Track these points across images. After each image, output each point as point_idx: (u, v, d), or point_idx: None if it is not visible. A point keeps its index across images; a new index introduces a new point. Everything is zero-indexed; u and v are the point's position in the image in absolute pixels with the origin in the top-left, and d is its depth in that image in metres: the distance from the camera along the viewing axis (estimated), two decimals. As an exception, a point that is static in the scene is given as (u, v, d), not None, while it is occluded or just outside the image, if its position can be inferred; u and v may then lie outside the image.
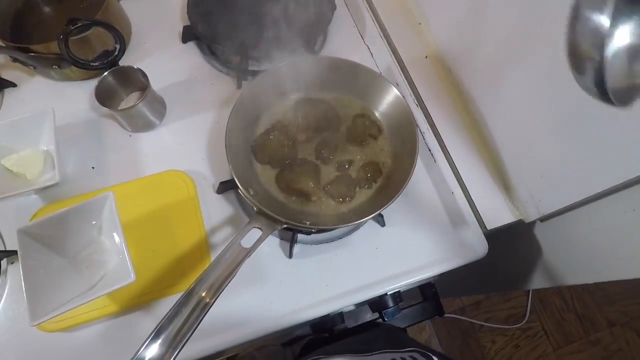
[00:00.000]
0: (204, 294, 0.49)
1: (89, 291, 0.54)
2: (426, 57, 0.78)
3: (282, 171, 0.65)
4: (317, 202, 0.63)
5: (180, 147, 0.72)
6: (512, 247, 0.77)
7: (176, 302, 0.48)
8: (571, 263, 0.63)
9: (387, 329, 0.72)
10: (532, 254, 0.72)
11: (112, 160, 0.70)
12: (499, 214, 0.67)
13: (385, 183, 0.65)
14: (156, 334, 0.46)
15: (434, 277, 0.66)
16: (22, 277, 0.52)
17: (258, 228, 0.55)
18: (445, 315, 1.75)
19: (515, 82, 0.59)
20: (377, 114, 0.69)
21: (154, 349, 0.46)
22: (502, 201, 0.67)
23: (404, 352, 0.53)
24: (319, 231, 0.65)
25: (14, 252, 0.61)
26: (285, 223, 0.56)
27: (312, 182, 0.63)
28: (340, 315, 0.67)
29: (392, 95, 0.66)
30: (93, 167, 0.69)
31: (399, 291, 0.68)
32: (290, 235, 0.64)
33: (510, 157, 0.65)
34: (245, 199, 0.59)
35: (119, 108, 0.69)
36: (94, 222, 0.59)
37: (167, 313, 0.47)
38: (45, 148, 0.68)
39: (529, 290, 1.78)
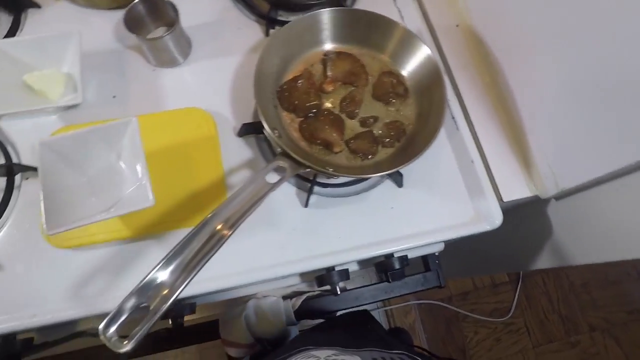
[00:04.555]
0: (220, 226, 0.49)
1: (108, 209, 0.53)
2: (457, 25, 0.77)
3: (307, 119, 0.64)
4: (339, 155, 0.63)
5: (203, 87, 0.70)
6: (520, 226, 0.78)
7: (193, 228, 0.48)
8: (584, 242, 0.64)
9: (376, 329, 0.72)
10: (542, 233, 0.72)
11: (134, 91, 0.69)
12: (516, 188, 0.67)
13: (407, 143, 0.65)
14: (169, 259, 0.46)
15: (446, 241, 0.66)
16: (41, 188, 0.51)
17: (282, 167, 0.55)
18: (432, 302, 1.78)
19: (549, 56, 0.59)
20: (404, 73, 0.69)
21: (166, 273, 0.45)
22: (520, 175, 0.68)
23: (393, 354, 0.52)
24: (340, 184, 0.65)
25: (30, 168, 0.60)
26: (309, 167, 0.56)
27: (335, 133, 0.63)
28: (346, 272, 0.67)
29: (423, 54, 0.66)
30: (114, 97, 0.68)
31: (406, 255, 0.68)
32: (307, 185, 0.64)
33: (534, 132, 0.65)
34: (270, 139, 0.59)
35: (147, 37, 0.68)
36: (114, 146, 0.58)
37: (184, 238, 0.47)
38: (67, 71, 0.66)
39: (517, 287, 1.80)
